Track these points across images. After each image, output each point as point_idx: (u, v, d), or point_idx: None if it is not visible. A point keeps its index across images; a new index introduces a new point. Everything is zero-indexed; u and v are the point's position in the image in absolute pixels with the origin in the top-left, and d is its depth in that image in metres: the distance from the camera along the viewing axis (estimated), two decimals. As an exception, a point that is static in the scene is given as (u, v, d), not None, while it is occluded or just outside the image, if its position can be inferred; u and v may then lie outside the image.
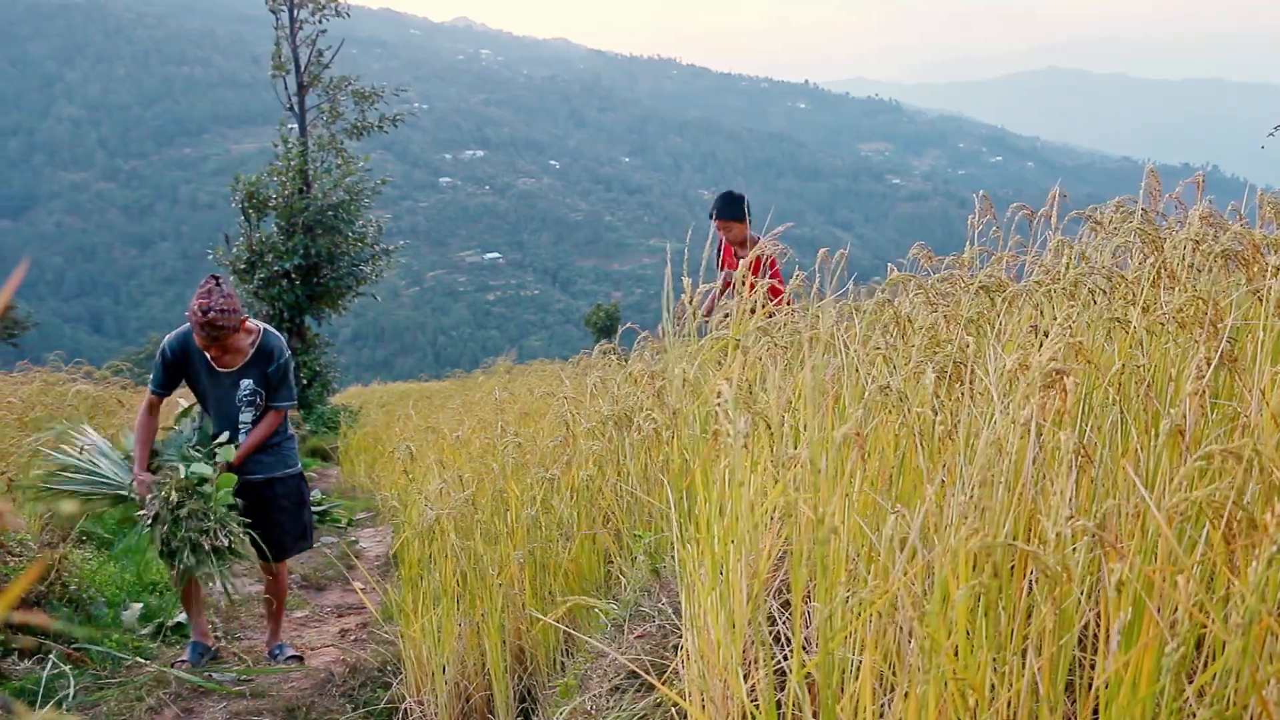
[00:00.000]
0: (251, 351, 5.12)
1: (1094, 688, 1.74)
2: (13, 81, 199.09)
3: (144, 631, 5.52)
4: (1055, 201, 2.67)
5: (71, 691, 4.37)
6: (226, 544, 4.79)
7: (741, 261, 5.84)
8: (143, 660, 4.93)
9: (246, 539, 4.95)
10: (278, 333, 5.28)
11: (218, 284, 4.93)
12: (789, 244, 3.01)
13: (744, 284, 5.74)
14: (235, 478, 4.97)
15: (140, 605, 5.74)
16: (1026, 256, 2.72)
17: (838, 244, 3.01)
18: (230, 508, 4.92)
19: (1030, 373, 1.57)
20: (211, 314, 4.82)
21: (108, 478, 5.04)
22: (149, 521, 4.74)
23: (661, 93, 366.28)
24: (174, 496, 4.72)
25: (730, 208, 6.34)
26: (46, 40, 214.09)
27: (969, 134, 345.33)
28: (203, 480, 4.87)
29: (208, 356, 5.07)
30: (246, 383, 5.12)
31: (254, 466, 5.18)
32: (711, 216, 6.31)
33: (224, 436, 5.11)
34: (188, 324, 4.95)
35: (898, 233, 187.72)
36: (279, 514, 5.27)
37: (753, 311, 5.17)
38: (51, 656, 4.67)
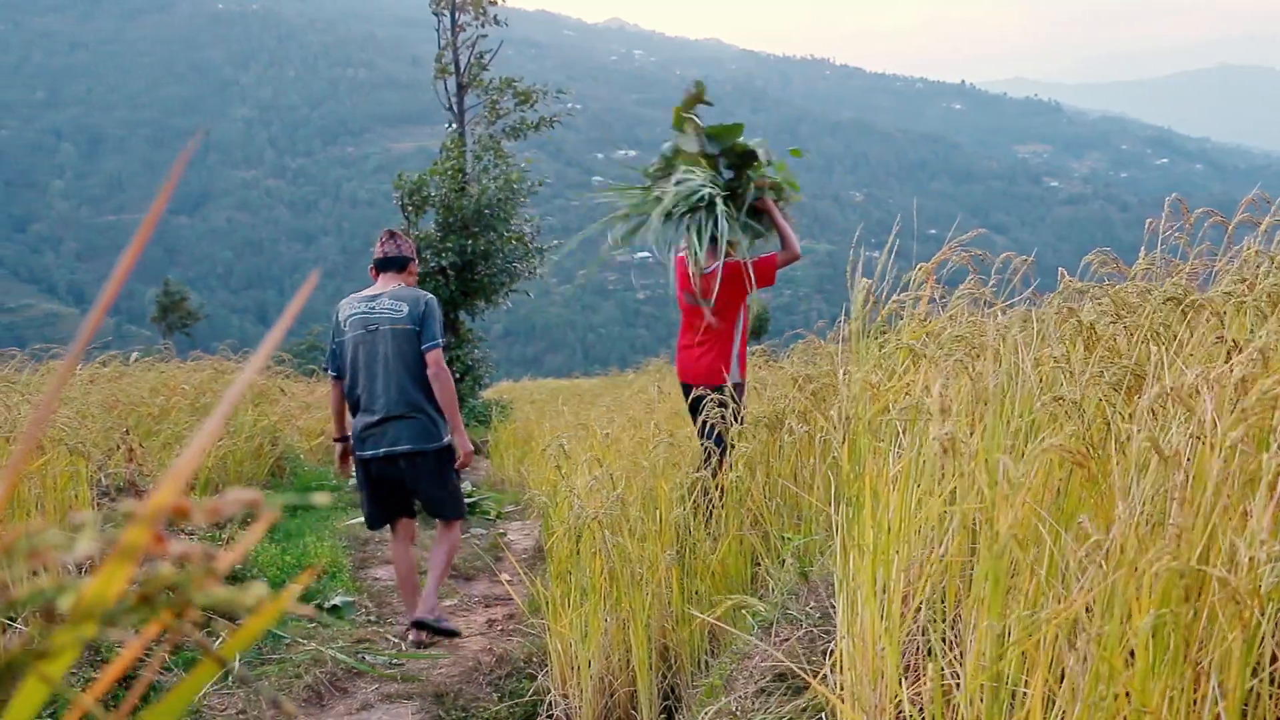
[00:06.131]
0: None
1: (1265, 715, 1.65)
2: (194, 85, 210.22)
3: (303, 612, 5.73)
4: (1243, 208, 2.53)
5: (236, 665, 4.57)
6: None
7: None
8: (301, 640, 5.12)
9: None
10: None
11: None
12: (939, 246, 2.91)
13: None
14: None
15: (300, 586, 5.96)
16: (1215, 264, 2.59)
17: (991, 248, 2.91)
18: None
19: (1249, 396, 1.48)
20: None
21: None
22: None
23: (814, 93, 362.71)
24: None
25: None
26: (225, 46, 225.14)
27: (1132, 135, 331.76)
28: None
29: None
30: None
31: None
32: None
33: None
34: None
35: (1055, 236, 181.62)
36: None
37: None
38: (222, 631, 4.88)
